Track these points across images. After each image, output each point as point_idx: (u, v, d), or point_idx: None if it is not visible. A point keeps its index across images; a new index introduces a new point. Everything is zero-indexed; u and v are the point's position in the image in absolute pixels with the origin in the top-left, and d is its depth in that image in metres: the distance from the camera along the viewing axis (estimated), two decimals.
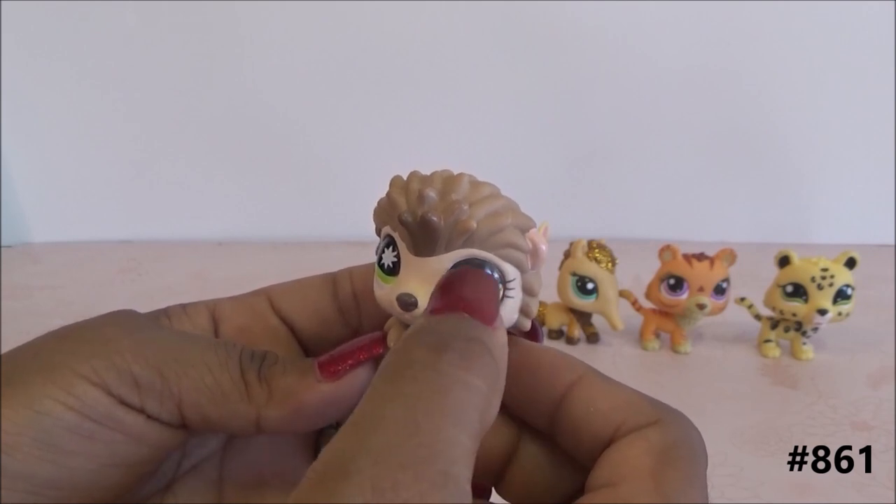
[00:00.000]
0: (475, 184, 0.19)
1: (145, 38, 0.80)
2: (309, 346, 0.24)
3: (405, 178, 0.20)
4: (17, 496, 0.17)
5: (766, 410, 0.47)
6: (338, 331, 0.24)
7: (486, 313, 0.17)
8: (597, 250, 0.54)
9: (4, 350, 0.19)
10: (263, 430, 0.19)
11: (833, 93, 0.78)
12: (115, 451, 0.18)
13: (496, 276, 0.19)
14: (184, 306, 0.22)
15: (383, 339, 0.20)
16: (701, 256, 0.53)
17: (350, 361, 0.20)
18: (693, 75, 0.78)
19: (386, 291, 0.19)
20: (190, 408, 0.19)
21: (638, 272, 0.64)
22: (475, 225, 0.18)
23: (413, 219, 0.18)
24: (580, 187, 0.84)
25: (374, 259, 0.21)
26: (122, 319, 0.20)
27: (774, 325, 0.55)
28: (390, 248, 0.19)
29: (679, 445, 0.17)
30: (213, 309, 0.23)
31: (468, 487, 0.14)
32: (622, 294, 0.56)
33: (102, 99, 0.83)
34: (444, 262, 0.18)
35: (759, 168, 0.82)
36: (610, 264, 0.54)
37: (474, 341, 0.16)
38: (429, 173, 0.20)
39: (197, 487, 0.22)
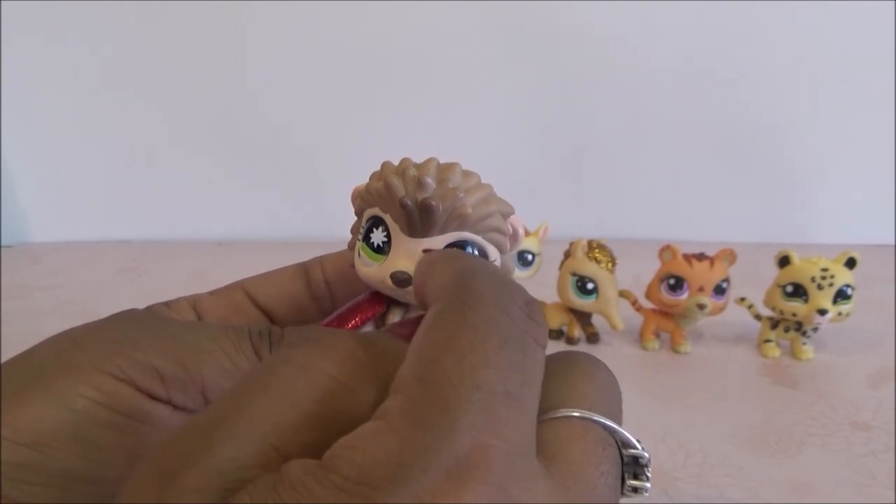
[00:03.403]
0: (466, 173, 0.21)
1: (145, 39, 0.80)
2: None
3: (395, 164, 0.21)
4: (54, 493, 0.17)
5: (766, 410, 0.47)
6: (312, 316, 0.24)
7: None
8: (597, 250, 0.54)
9: (5, 350, 0.19)
10: None
11: (833, 93, 0.78)
12: (143, 441, 0.19)
13: (478, 253, 0.21)
14: (167, 303, 0.23)
15: (380, 297, 0.22)
16: (701, 256, 0.53)
17: (353, 322, 0.21)
18: (693, 75, 0.78)
19: (375, 269, 0.21)
20: (214, 392, 0.20)
21: (638, 272, 0.63)
22: (470, 211, 0.20)
23: (414, 203, 0.19)
24: (580, 187, 0.84)
25: (352, 239, 0.22)
26: (131, 318, 0.21)
27: (774, 325, 0.55)
28: (379, 229, 0.21)
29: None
30: (194, 303, 0.23)
31: None
32: (622, 294, 0.56)
33: (102, 99, 0.83)
34: (437, 242, 0.20)
35: (759, 168, 0.82)
36: (610, 264, 0.54)
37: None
38: (418, 161, 0.21)
39: None
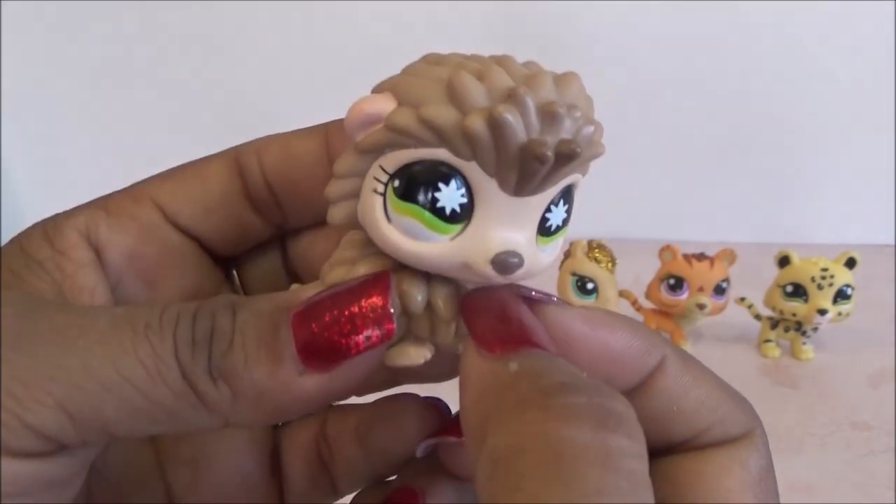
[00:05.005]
0: (582, 86, 0.15)
1: (146, 39, 0.80)
2: (221, 257, 0.19)
3: (480, 74, 0.13)
4: None
5: (766, 410, 0.46)
6: (255, 231, 0.18)
7: (541, 340, 0.13)
8: (597, 250, 0.53)
9: None
10: (235, 426, 0.14)
11: (833, 92, 0.78)
12: (56, 498, 0.14)
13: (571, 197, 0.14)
14: (49, 238, 0.16)
15: (385, 297, 0.13)
16: (701, 256, 0.53)
17: (347, 352, 0.13)
18: (693, 74, 0.78)
19: (444, 247, 0.13)
20: (125, 433, 0.13)
21: (638, 272, 0.63)
22: (602, 151, 0.14)
23: (552, 151, 0.12)
24: (579, 187, 0.84)
25: (343, 179, 0.14)
26: None
27: (774, 325, 0.55)
28: (451, 184, 0.13)
29: (770, 469, 0.15)
30: (86, 232, 0.17)
31: None
32: (622, 294, 0.56)
33: (103, 99, 0.83)
34: (548, 197, 0.14)
35: (759, 168, 0.82)
36: (610, 264, 0.54)
37: (613, 397, 0.12)
38: (495, 68, 0.13)
39: (125, 440, 0.18)
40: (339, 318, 0.13)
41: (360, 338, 0.13)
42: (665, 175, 0.83)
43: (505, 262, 0.13)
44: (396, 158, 0.13)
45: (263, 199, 0.17)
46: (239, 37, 0.81)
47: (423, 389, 0.20)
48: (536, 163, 0.12)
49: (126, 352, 0.13)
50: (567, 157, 0.13)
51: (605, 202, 0.85)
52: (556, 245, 0.15)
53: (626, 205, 0.85)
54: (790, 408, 0.47)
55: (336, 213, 0.14)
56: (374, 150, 0.14)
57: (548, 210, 0.14)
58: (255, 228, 0.18)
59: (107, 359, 0.13)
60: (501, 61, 0.14)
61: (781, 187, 0.83)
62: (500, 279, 0.14)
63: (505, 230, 0.13)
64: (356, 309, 0.13)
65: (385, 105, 0.13)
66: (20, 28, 0.80)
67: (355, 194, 0.14)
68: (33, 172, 0.87)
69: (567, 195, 0.14)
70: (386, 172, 0.13)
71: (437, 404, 0.19)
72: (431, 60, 0.14)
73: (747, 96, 0.79)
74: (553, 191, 0.14)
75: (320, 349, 0.13)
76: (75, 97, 0.83)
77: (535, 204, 0.14)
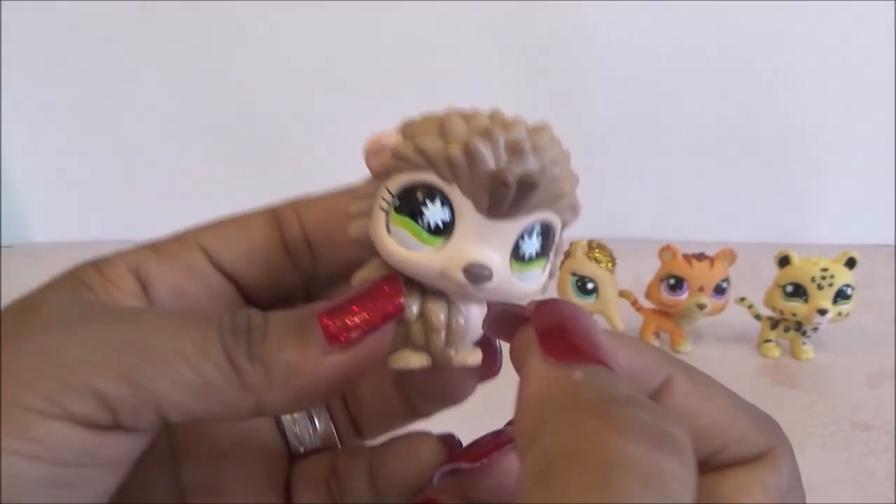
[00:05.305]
0: (555, 138, 0.17)
1: (147, 38, 0.80)
2: (254, 301, 0.20)
3: (467, 118, 0.16)
4: None
5: (766, 410, 0.47)
6: (289, 278, 0.20)
7: (607, 359, 0.14)
8: (597, 250, 0.53)
9: None
10: (265, 413, 0.16)
11: (833, 92, 0.78)
12: (97, 485, 0.15)
13: (553, 238, 0.17)
14: (98, 268, 0.18)
15: (397, 283, 0.16)
16: (701, 256, 0.53)
17: (364, 326, 0.16)
18: (693, 74, 0.78)
19: (427, 255, 0.16)
20: (173, 410, 0.15)
21: (638, 272, 0.63)
22: (569, 189, 0.17)
23: (514, 178, 0.15)
24: (580, 187, 0.84)
25: (362, 202, 0.17)
26: (52, 312, 0.15)
27: (774, 325, 0.55)
28: (436, 202, 0.16)
29: (794, 489, 0.15)
30: (135, 268, 0.18)
31: None
32: (622, 294, 0.56)
33: (103, 98, 0.83)
34: (519, 225, 0.16)
35: (759, 167, 0.82)
36: (610, 264, 0.54)
37: (674, 422, 0.12)
38: (482, 115, 0.17)
39: (149, 464, 0.18)
40: (358, 302, 0.16)
41: (378, 314, 0.16)
42: (665, 175, 0.83)
43: (475, 272, 0.16)
44: (398, 180, 0.16)
45: (300, 251, 0.20)
46: (241, 38, 0.81)
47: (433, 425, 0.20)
48: (502, 188, 0.15)
49: (177, 332, 0.15)
50: (528, 186, 0.15)
51: (605, 202, 0.85)
52: (537, 275, 0.17)
53: (626, 205, 0.85)
54: (790, 408, 0.47)
55: (354, 228, 0.17)
56: (383, 174, 0.17)
57: (521, 238, 0.16)
58: (289, 278, 0.20)
59: (162, 335, 0.15)
60: (493, 114, 0.17)
61: (781, 187, 0.83)
62: (471, 288, 0.16)
63: (479, 247, 0.16)
64: (374, 292, 0.16)
65: (394, 138, 0.17)
66: (20, 28, 0.80)
67: (370, 212, 0.17)
68: (33, 172, 0.87)
69: (545, 233, 0.17)
70: (390, 192, 0.16)
71: (449, 438, 0.20)
72: (446, 111, 0.17)
73: (748, 97, 0.79)
74: (525, 221, 0.16)
75: (343, 328, 0.16)
76: (76, 97, 0.83)
77: (508, 229, 0.16)
